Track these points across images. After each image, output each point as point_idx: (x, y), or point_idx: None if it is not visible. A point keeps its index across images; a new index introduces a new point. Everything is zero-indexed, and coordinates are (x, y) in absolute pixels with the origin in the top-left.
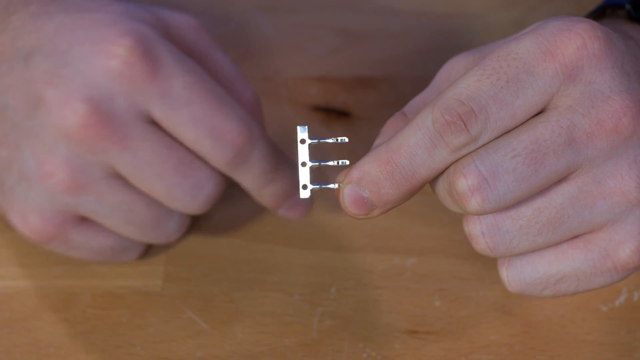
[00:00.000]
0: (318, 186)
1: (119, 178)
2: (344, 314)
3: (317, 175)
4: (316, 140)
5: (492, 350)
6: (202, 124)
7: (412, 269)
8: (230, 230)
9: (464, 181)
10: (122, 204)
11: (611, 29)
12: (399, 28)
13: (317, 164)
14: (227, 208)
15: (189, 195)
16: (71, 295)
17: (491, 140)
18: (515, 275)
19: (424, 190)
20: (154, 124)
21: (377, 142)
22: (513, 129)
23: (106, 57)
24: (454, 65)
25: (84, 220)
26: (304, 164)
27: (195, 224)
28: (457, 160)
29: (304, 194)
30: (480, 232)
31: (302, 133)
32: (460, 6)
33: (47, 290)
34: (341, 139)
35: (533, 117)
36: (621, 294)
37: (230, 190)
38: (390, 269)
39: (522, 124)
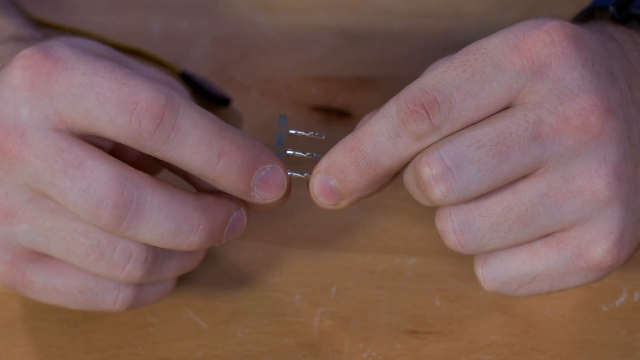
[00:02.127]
0: (290, 173)
1: (46, 198)
2: (344, 314)
3: (295, 167)
4: (294, 132)
5: (493, 351)
6: (110, 102)
7: (412, 269)
8: None
9: (428, 170)
10: (55, 230)
11: (596, 30)
12: (399, 28)
13: (292, 152)
14: None
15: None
16: None
17: (456, 132)
18: (490, 274)
19: None
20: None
21: None
22: (479, 122)
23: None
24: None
25: (40, 257)
26: (279, 150)
27: None
28: (422, 151)
29: None
30: (452, 229)
31: (281, 122)
32: (460, 6)
33: None
34: (317, 135)
35: (499, 112)
36: (621, 294)
37: None
38: (391, 269)
39: (488, 117)
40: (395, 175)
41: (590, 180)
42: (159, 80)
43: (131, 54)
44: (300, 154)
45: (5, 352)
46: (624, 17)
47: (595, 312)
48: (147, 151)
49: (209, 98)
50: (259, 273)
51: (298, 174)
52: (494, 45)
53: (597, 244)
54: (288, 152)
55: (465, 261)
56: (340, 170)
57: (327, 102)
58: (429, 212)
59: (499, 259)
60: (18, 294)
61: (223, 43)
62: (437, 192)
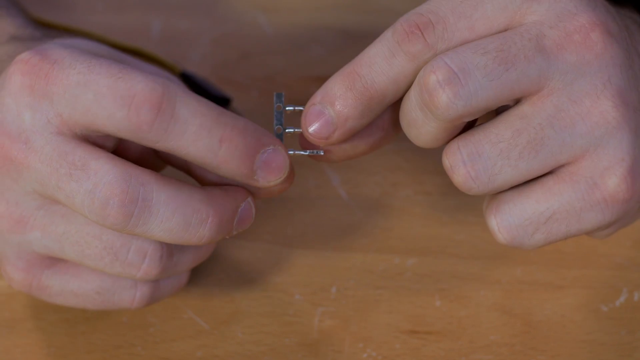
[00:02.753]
0: (292, 152)
1: (56, 204)
2: (344, 314)
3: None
4: (291, 108)
5: (493, 351)
6: (107, 97)
7: (412, 269)
8: None
9: (434, 77)
10: (68, 235)
11: None
12: None
13: (291, 130)
14: None
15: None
16: None
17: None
18: (505, 219)
19: (424, 190)
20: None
21: None
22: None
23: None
24: None
25: (54, 263)
26: (279, 130)
27: None
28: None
29: None
30: (461, 161)
31: (278, 100)
32: None
33: None
34: None
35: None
36: (621, 294)
37: None
38: (391, 269)
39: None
40: (393, 133)
41: (597, 101)
42: (156, 74)
43: (131, 54)
44: (301, 130)
45: (5, 352)
46: None
47: (595, 312)
48: (148, 143)
49: (209, 98)
50: (259, 273)
51: (301, 152)
52: None
53: (611, 171)
54: (288, 130)
55: (465, 261)
56: (336, 97)
57: None
58: (429, 212)
59: (512, 203)
60: (18, 294)
61: (223, 43)
62: (444, 97)
